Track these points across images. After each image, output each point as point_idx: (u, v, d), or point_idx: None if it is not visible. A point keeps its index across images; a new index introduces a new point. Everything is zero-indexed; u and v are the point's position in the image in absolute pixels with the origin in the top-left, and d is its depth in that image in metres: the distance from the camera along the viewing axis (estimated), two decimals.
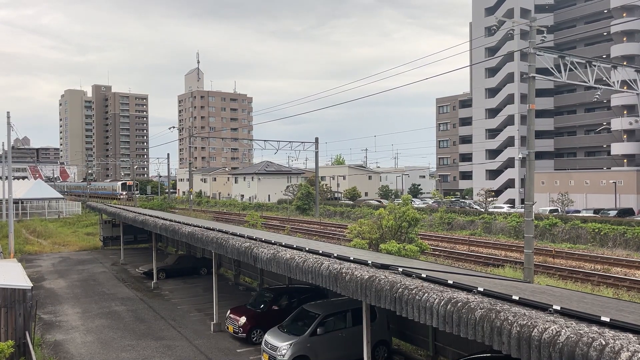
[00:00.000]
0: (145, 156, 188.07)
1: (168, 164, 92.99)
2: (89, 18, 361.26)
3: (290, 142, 61.81)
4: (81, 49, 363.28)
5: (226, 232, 16.95)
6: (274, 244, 13.99)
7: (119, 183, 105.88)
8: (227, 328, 16.91)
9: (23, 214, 61.03)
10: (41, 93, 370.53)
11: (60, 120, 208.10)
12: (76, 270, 29.71)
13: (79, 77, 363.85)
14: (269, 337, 13.98)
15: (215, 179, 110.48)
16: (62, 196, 71.62)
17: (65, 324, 18.76)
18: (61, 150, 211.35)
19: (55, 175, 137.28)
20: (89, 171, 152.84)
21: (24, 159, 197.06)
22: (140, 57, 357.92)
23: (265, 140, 60.80)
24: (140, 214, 27.88)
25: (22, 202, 61.98)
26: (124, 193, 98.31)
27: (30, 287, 14.53)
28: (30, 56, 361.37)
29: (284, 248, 13.14)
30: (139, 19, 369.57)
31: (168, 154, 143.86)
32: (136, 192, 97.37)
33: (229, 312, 17.23)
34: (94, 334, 17.53)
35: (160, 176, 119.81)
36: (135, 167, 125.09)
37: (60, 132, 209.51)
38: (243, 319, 16.30)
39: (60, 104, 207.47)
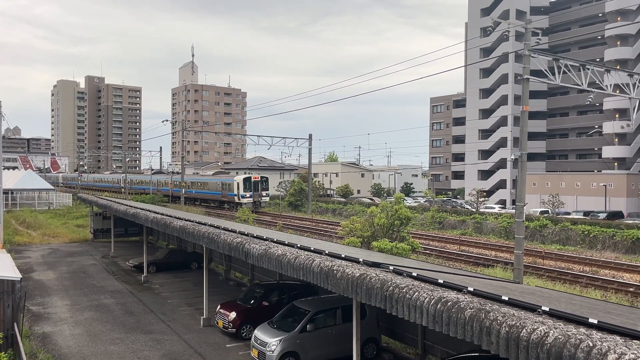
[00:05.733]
0: (138, 149, 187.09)
1: (160, 157, 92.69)
2: (82, 9, 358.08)
3: (283, 138, 61.66)
4: (74, 41, 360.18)
5: (218, 227, 16.92)
6: (266, 240, 13.97)
7: (240, 178, 61.06)
8: (217, 323, 16.89)
9: (13, 205, 60.54)
10: (33, 83, 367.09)
11: (52, 110, 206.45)
12: (66, 262, 29.55)
13: (71, 68, 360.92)
14: (259, 333, 13.98)
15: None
16: (52, 187, 71.07)
17: (54, 316, 18.67)
18: (52, 141, 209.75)
19: (46, 166, 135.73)
20: (81, 162, 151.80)
21: (14, 149, 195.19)
22: (134, 50, 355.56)
23: (258, 136, 60.74)
24: (132, 207, 27.77)
25: (12, 193, 61.48)
26: (248, 194, 59.26)
27: (19, 279, 14.44)
28: (23, 46, 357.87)
29: (275, 244, 13.14)
30: (133, 12, 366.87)
31: (160, 147, 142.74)
32: (265, 195, 61.59)
33: (219, 307, 17.22)
34: (82, 326, 17.46)
35: (152, 169, 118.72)
36: (127, 159, 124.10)
37: (52, 123, 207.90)
38: (233, 314, 16.29)
39: (53, 95, 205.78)
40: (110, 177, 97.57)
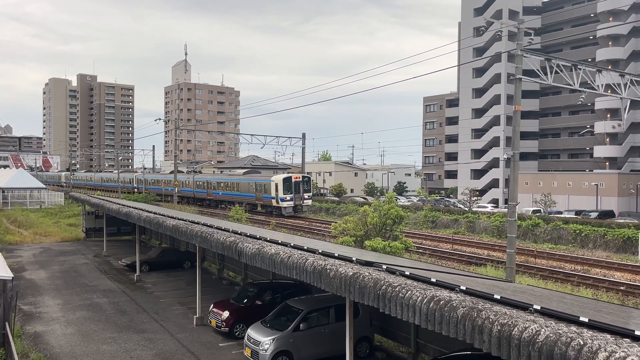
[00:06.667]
0: (130, 147, 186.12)
1: (153, 156, 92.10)
2: (73, 7, 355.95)
3: (277, 137, 61.56)
4: (65, 38, 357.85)
5: (211, 226, 16.87)
6: (259, 239, 13.95)
7: (279, 178, 52.23)
8: (210, 322, 16.87)
9: (4, 203, 60.12)
10: (25, 82, 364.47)
11: (44, 109, 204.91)
12: (57, 261, 29.38)
13: (63, 66, 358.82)
14: (252, 332, 13.97)
15: (200, 172, 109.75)
16: (44, 186, 70.57)
17: (46, 316, 18.56)
18: (44, 140, 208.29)
19: (37, 165, 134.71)
20: (72, 161, 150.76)
21: (5, 148, 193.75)
22: (126, 49, 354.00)
23: (252, 135, 60.67)
24: (124, 206, 27.64)
25: (3, 191, 61.07)
26: (288, 197, 51.53)
27: (10, 278, 14.34)
28: (14, 44, 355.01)
29: (268, 243, 13.12)
30: (125, 11, 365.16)
31: (153, 146, 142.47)
32: (307, 197, 53.21)
33: (212, 306, 17.19)
34: (74, 325, 17.37)
35: (145, 168, 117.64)
36: (119, 158, 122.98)
37: (44, 122, 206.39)
38: (226, 313, 16.27)
39: (44, 93, 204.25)
40: (121, 176, 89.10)
